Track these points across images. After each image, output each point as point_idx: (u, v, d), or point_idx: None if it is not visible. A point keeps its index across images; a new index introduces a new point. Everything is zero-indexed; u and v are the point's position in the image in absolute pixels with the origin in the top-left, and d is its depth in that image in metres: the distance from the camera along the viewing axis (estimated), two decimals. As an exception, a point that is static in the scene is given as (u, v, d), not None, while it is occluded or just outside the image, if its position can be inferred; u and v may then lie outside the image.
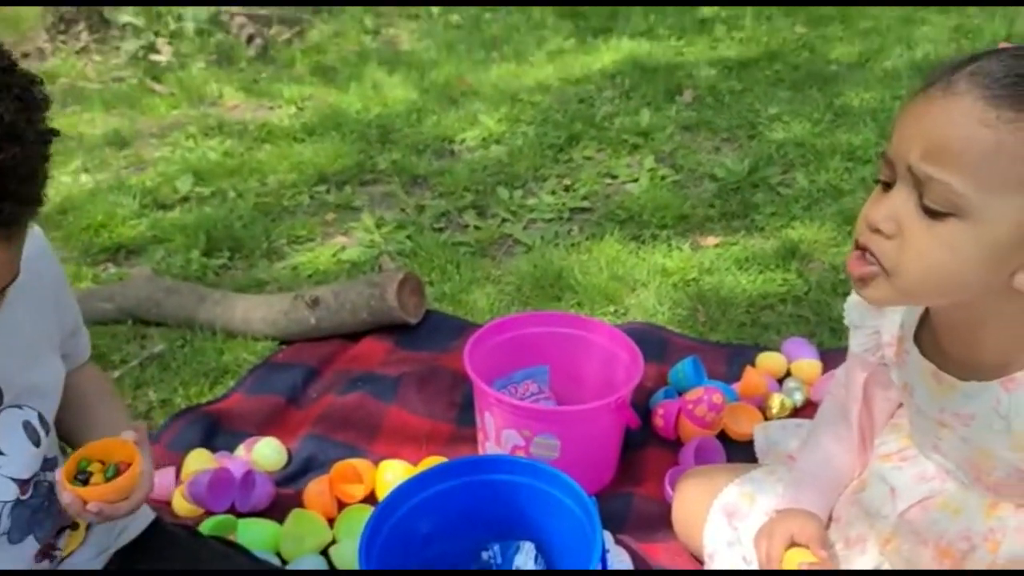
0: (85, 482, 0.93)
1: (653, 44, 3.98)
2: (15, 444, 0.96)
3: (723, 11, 4.39)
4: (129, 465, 0.94)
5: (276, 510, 1.56)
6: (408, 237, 2.49)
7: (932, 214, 0.86)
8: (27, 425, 0.98)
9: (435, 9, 4.69)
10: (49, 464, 1.02)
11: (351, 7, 4.73)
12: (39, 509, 0.98)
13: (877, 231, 0.89)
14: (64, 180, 2.87)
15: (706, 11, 4.40)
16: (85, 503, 0.92)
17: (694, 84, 3.50)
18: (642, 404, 1.75)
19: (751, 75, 3.58)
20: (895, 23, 4.15)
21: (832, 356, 1.83)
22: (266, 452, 1.67)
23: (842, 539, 1.18)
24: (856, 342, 1.18)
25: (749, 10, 4.31)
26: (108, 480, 0.93)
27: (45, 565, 1.03)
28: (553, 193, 2.72)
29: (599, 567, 1.15)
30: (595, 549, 1.15)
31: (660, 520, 1.48)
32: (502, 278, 2.29)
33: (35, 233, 1.00)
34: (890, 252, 0.89)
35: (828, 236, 2.38)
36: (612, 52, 3.89)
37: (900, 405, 1.22)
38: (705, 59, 3.77)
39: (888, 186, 0.90)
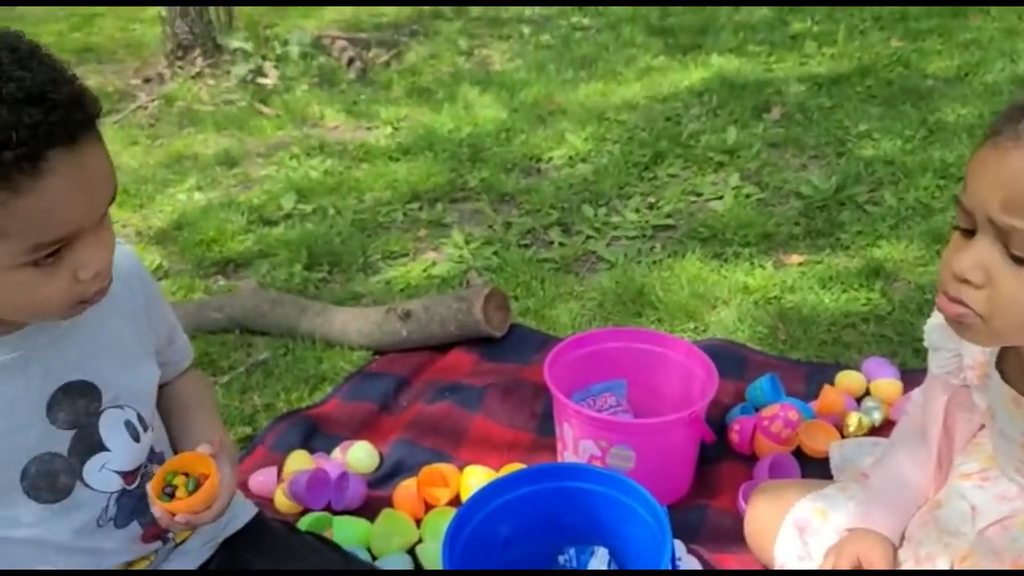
0: (171, 495, 1.04)
1: (742, 61, 3.96)
2: (118, 441, 1.07)
3: (815, 26, 4.33)
4: (207, 477, 1.05)
5: (368, 509, 1.64)
6: (495, 253, 2.56)
7: (1021, 261, 0.87)
8: (128, 424, 1.08)
9: (526, 29, 4.78)
10: (157, 457, 1.13)
11: (446, 29, 4.88)
12: (143, 497, 1.08)
13: (965, 281, 0.90)
14: (180, 198, 3.07)
15: (797, 27, 4.35)
16: (173, 515, 1.04)
17: (782, 101, 3.48)
18: (719, 419, 1.77)
19: (842, 91, 3.53)
20: (998, 35, 4.00)
21: (914, 376, 1.80)
22: (360, 455, 1.75)
23: (913, 558, 1.19)
24: (936, 364, 1.18)
25: (842, 25, 4.25)
26: (190, 493, 1.04)
27: (157, 546, 1.14)
28: (637, 211, 2.75)
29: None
30: (665, 555, 1.20)
31: (733, 533, 1.49)
32: (585, 294, 2.33)
33: (127, 252, 1.12)
34: (982, 301, 0.90)
35: (915, 255, 2.35)
36: (701, 69, 3.89)
37: (981, 427, 1.22)
38: (795, 75, 3.74)
39: (968, 232, 0.91)
